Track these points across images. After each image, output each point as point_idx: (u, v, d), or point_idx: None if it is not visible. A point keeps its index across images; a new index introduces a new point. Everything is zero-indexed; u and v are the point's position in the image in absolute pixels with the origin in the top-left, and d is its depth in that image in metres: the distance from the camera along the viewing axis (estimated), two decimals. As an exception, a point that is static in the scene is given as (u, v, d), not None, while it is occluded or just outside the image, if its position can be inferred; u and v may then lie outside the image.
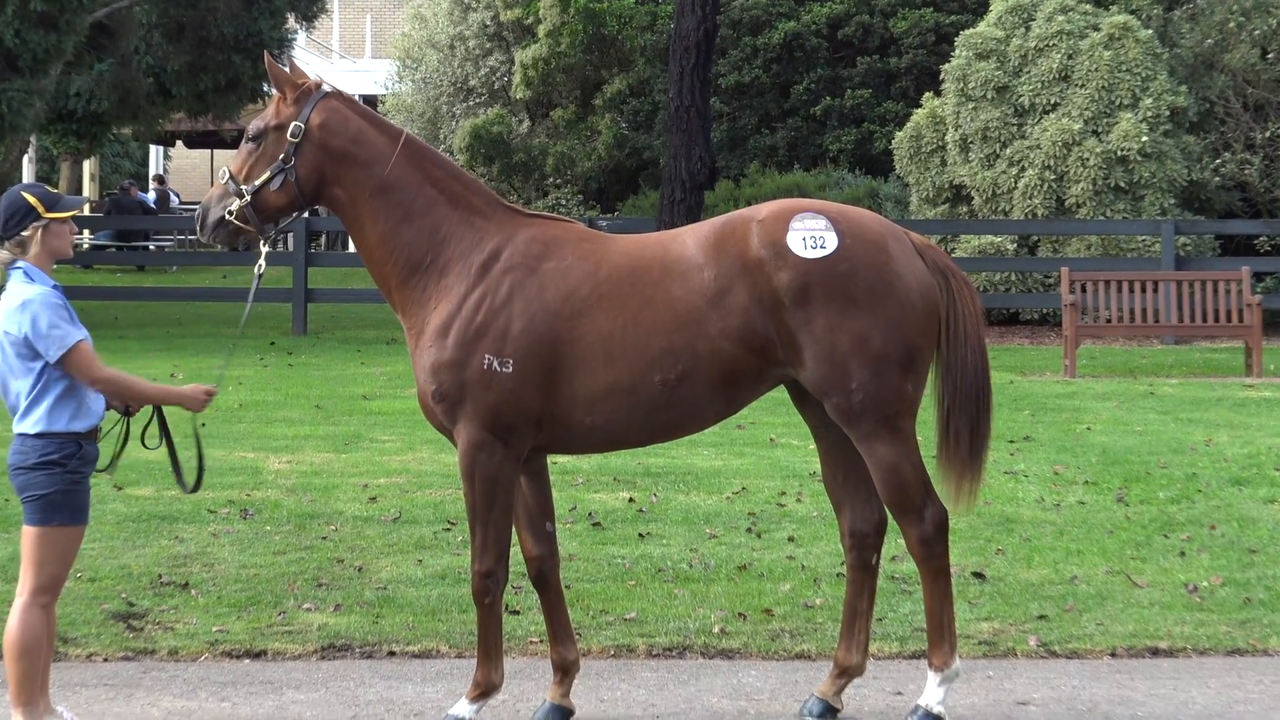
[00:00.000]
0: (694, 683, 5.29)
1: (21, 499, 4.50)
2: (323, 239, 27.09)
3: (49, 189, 4.65)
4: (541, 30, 23.28)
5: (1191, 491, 8.31)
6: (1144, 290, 14.85)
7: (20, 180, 20.96)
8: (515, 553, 4.96)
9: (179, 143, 33.89)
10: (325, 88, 4.90)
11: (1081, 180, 18.00)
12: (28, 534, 4.47)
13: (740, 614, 6.02)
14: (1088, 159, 17.95)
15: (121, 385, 4.50)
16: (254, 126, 4.89)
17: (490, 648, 4.76)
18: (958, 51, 19.09)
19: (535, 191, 24.05)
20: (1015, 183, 18.44)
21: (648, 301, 4.64)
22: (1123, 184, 18.01)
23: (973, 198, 19.01)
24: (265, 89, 20.23)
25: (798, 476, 8.68)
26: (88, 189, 29.20)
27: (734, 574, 6.60)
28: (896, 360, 4.63)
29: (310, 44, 30.21)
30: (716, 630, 5.82)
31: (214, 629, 5.82)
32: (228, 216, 4.82)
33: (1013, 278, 18.33)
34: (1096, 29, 18.49)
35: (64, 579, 4.56)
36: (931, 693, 4.76)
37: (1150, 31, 18.54)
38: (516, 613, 5.98)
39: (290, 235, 18.35)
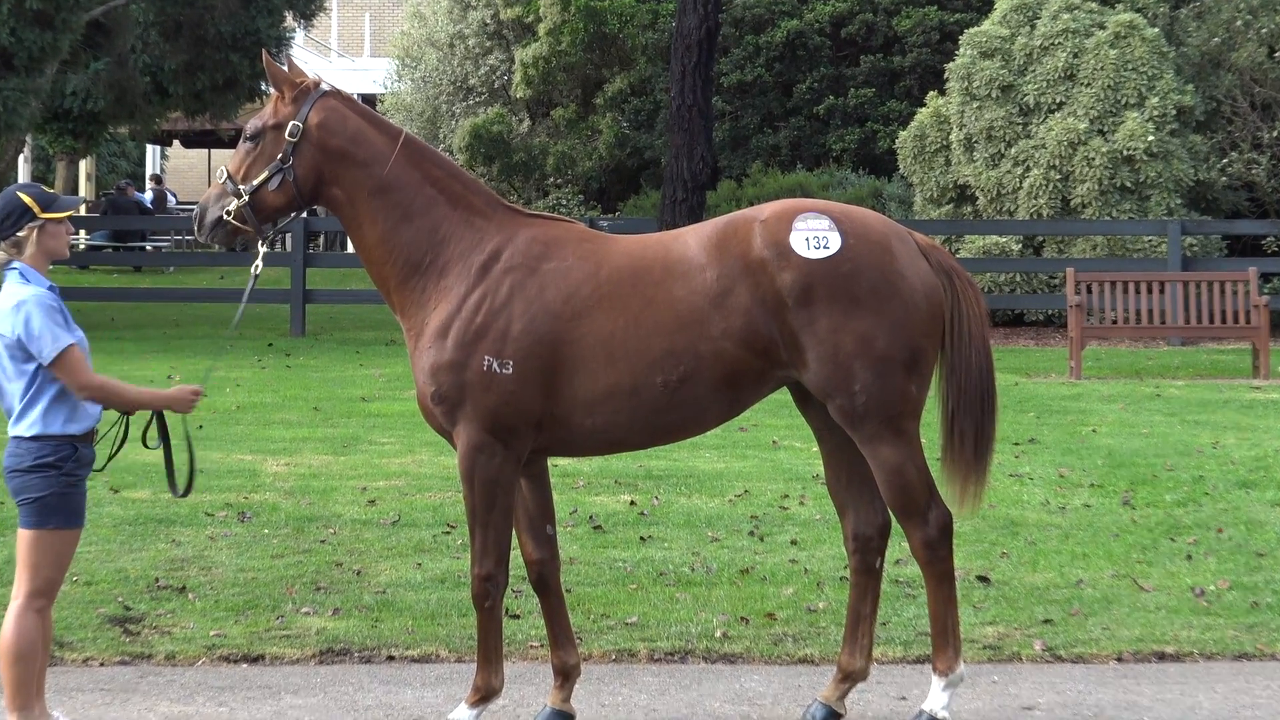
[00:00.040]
0: (696, 687, 5.27)
1: (16, 502, 4.48)
2: (321, 239, 27.04)
3: (45, 189, 4.63)
4: (542, 28, 23.24)
5: (1198, 494, 8.28)
6: (1150, 291, 14.80)
7: (16, 180, 20.96)
8: (515, 556, 4.93)
9: (176, 142, 33.90)
10: (324, 86, 4.88)
11: (1087, 180, 17.94)
12: (23, 537, 4.46)
13: (743, 618, 6.00)
14: (1093, 158, 17.89)
15: (110, 392, 4.47)
16: (252, 126, 4.88)
17: (490, 652, 4.74)
18: (962, 50, 19.04)
19: (535, 191, 24.02)
20: (1020, 182, 18.39)
21: (649, 302, 4.62)
22: (1129, 184, 17.96)
23: (977, 198, 18.96)
24: (263, 88, 20.20)
25: (800, 479, 8.66)
26: (84, 189, 29.14)
27: (736, 578, 6.58)
28: (900, 361, 4.61)
29: (308, 42, 30.17)
30: (719, 634, 5.80)
31: (211, 633, 5.80)
32: (225, 216, 4.80)
33: (1018, 278, 18.28)
34: (1102, 27, 18.43)
35: (59, 583, 4.54)
36: (936, 697, 4.74)
37: (1156, 30, 18.48)
38: (517, 617, 5.96)
39: (288, 236, 18.31)
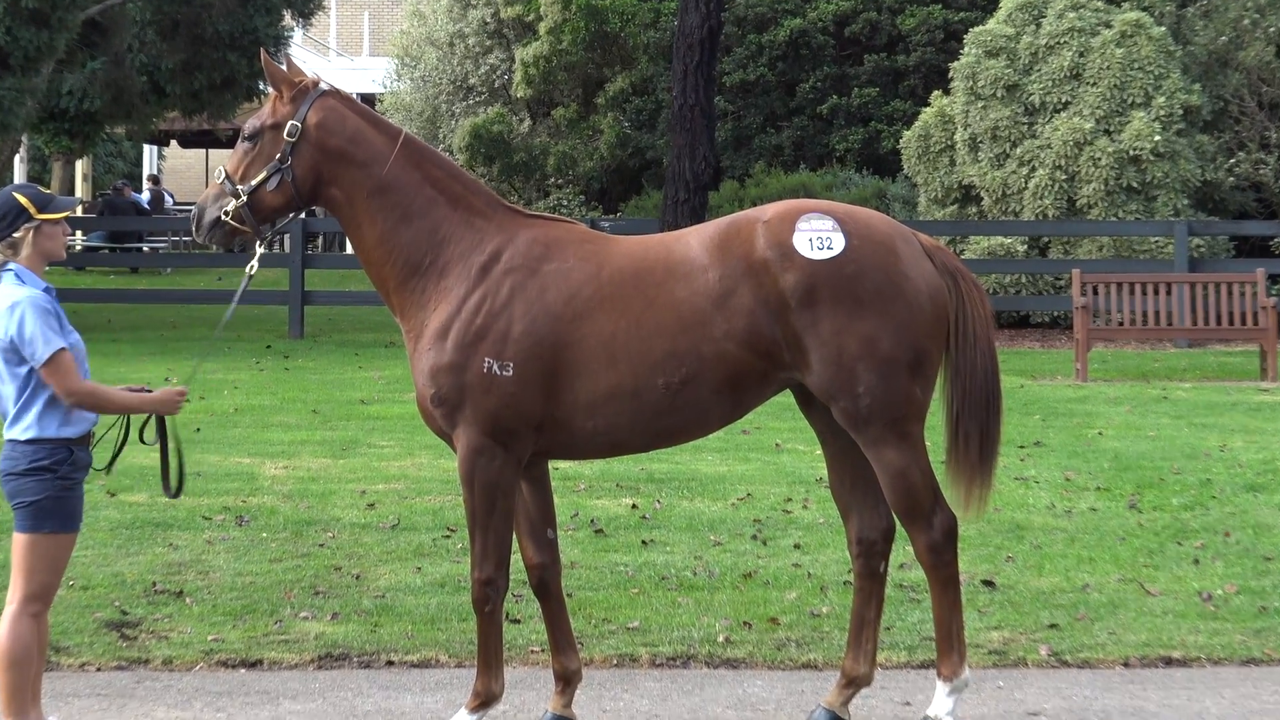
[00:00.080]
0: (698, 693, 5.25)
1: (11, 505, 4.46)
2: (320, 240, 27.00)
3: (41, 189, 4.61)
4: (543, 27, 23.20)
5: (1205, 498, 8.26)
6: (1157, 292, 14.74)
7: (12, 181, 20.91)
8: (516, 560, 4.91)
9: (173, 142, 33.89)
10: (322, 86, 4.86)
11: (1093, 180, 17.89)
12: (18, 541, 4.44)
13: (745, 623, 5.98)
14: (1099, 159, 17.83)
15: (98, 398, 4.45)
16: (250, 125, 4.86)
17: (490, 657, 4.72)
18: (967, 49, 19.00)
19: (536, 192, 23.97)
20: (1025, 183, 18.33)
21: (651, 303, 4.60)
22: (1135, 184, 17.90)
23: (982, 198, 18.91)
24: (261, 87, 20.19)
25: (804, 482, 8.64)
26: (80, 189, 29.09)
27: (739, 582, 6.55)
28: (905, 363, 4.58)
29: (307, 41, 30.18)
30: (721, 639, 5.77)
31: (209, 638, 5.77)
32: (224, 217, 4.79)
33: (1023, 280, 18.22)
34: (1108, 26, 18.37)
35: (55, 587, 4.52)
36: (940, 703, 4.72)
37: (1163, 29, 18.42)
38: (517, 621, 5.94)
39: (287, 236, 18.27)
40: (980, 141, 18.67)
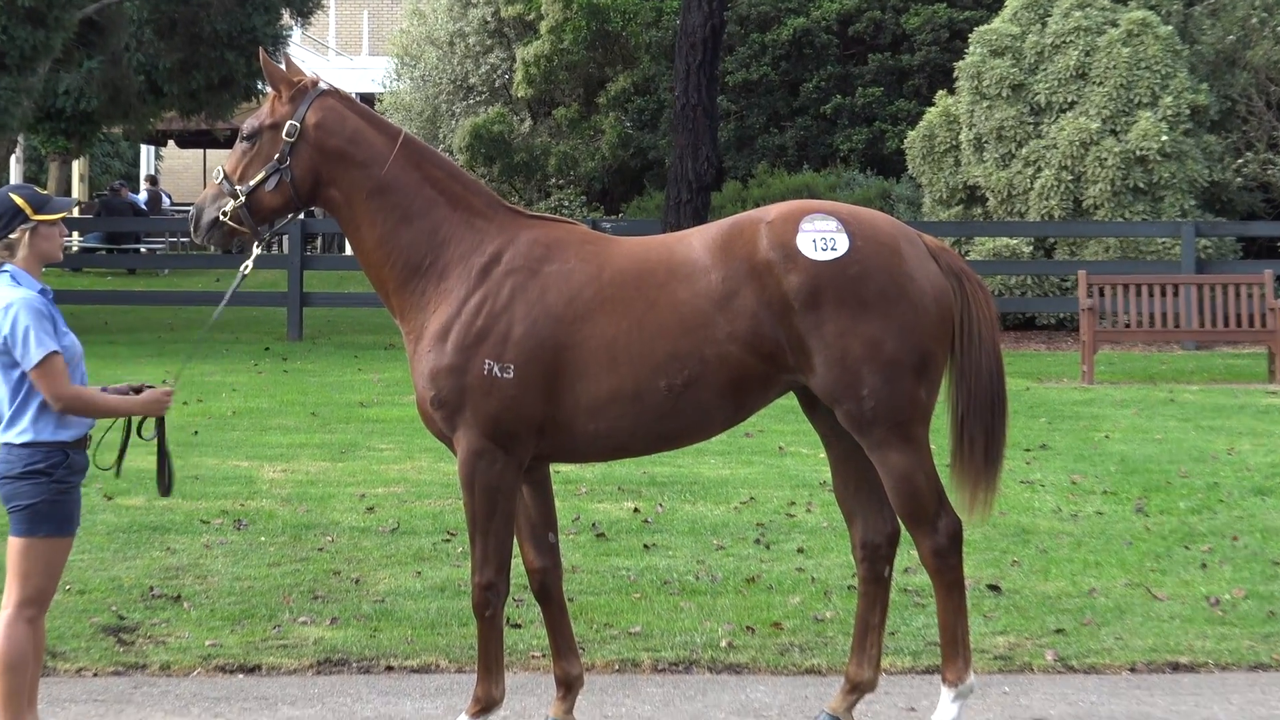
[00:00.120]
0: (701, 698, 5.23)
1: (7, 509, 4.44)
2: (319, 241, 26.91)
3: (37, 190, 4.59)
4: (543, 26, 23.16)
5: (1213, 501, 8.23)
6: (1164, 294, 14.69)
7: (8, 181, 20.86)
8: (517, 564, 4.88)
9: (171, 142, 33.90)
10: (321, 85, 4.85)
11: (1099, 181, 17.83)
12: (12, 545, 4.41)
13: (748, 627, 5.96)
14: (1106, 159, 17.77)
15: (85, 402, 4.42)
16: (249, 125, 4.85)
17: (491, 662, 4.70)
18: (972, 48, 18.94)
19: (537, 193, 23.93)
20: (1031, 183, 18.28)
21: (653, 305, 4.58)
22: (1142, 185, 17.84)
23: (987, 199, 18.86)
24: (260, 87, 20.15)
25: (807, 486, 8.61)
26: (77, 190, 29.07)
27: (742, 586, 6.53)
28: (909, 366, 4.56)
29: (306, 40, 30.12)
30: (724, 644, 5.76)
31: (207, 643, 5.75)
32: (222, 218, 4.78)
33: (1029, 281, 18.16)
34: (1115, 25, 18.30)
35: (51, 591, 4.49)
36: (945, 709, 4.70)
37: (1170, 27, 18.34)
38: (518, 626, 5.92)
39: (285, 238, 18.23)
40: (985, 142, 18.61)
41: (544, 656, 5.38)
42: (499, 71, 24.88)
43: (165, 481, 4.73)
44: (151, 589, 6.39)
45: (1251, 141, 19.01)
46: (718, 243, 4.63)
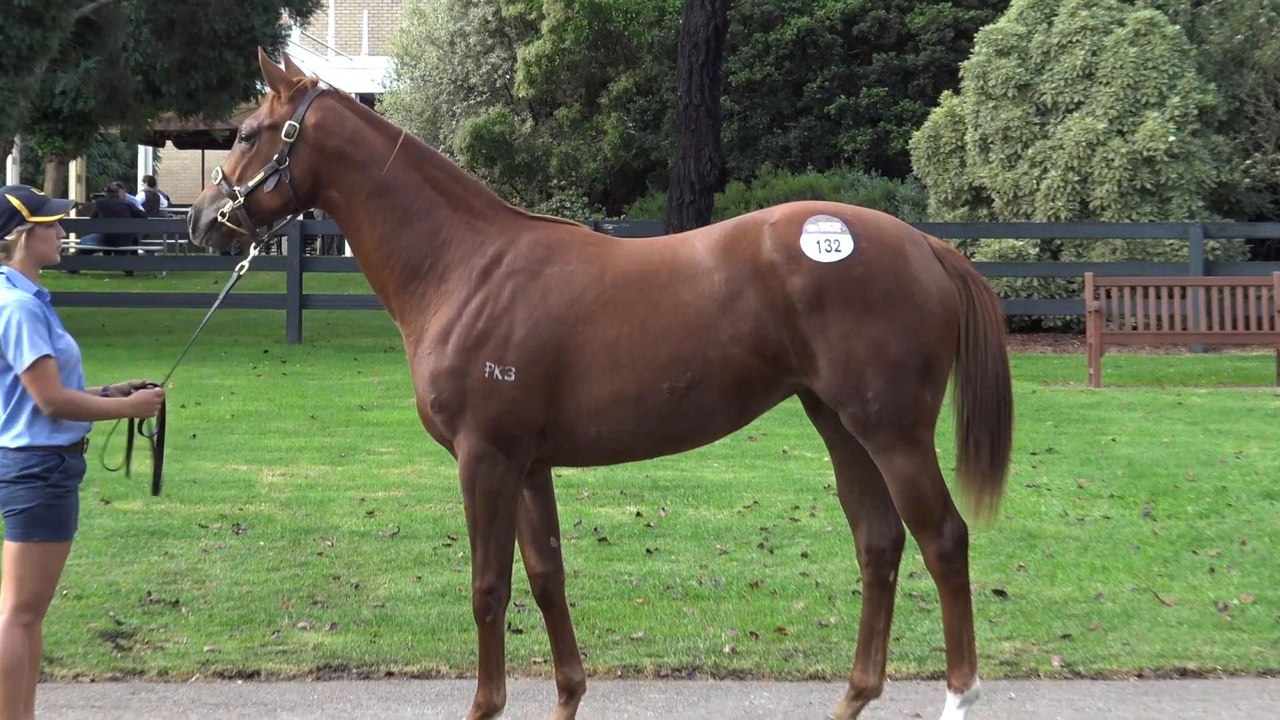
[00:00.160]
0: (704, 704, 5.21)
1: (3, 513, 4.42)
2: (318, 243, 26.89)
3: (34, 191, 4.57)
4: (545, 26, 23.14)
5: (1221, 505, 8.19)
6: (1171, 296, 14.64)
7: (4, 182, 20.90)
8: (518, 569, 4.87)
9: (169, 143, 33.95)
10: (321, 85, 4.83)
11: (1106, 182, 17.77)
12: (8, 550, 4.40)
13: (752, 633, 5.93)
14: (1113, 160, 17.71)
15: (79, 406, 4.40)
16: (247, 126, 4.83)
17: (492, 668, 4.68)
18: (977, 48, 18.90)
19: (538, 194, 23.91)
20: (1037, 184, 18.22)
21: (655, 307, 4.56)
22: (1149, 186, 17.78)
23: (993, 200, 18.81)
24: (258, 87, 20.15)
25: (812, 490, 8.59)
26: (74, 191, 29.07)
27: (745, 591, 6.50)
28: (914, 368, 4.54)
29: (305, 40, 30.11)
30: (727, 650, 5.73)
31: (205, 648, 5.73)
32: (220, 219, 4.76)
33: (1035, 283, 18.12)
34: (1122, 24, 18.24)
35: (48, 597, 4.47)
36: (951, 715, 4.68)
37: (1177, 27, 18.29)
38: (519, 631, 5.90)
39: (284, 239, 18.20)
40: (991, 142, 18.56)
41: (546, 662, 5.36)
42: (500, 71, 24.85)
43: (159, 479, 4.70)
44: (149, 594, 6.37)
45: (1260, 142, 18.94)
46: (721, 244, 4.61)
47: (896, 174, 21.71)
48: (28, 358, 4.27)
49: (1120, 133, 17.94)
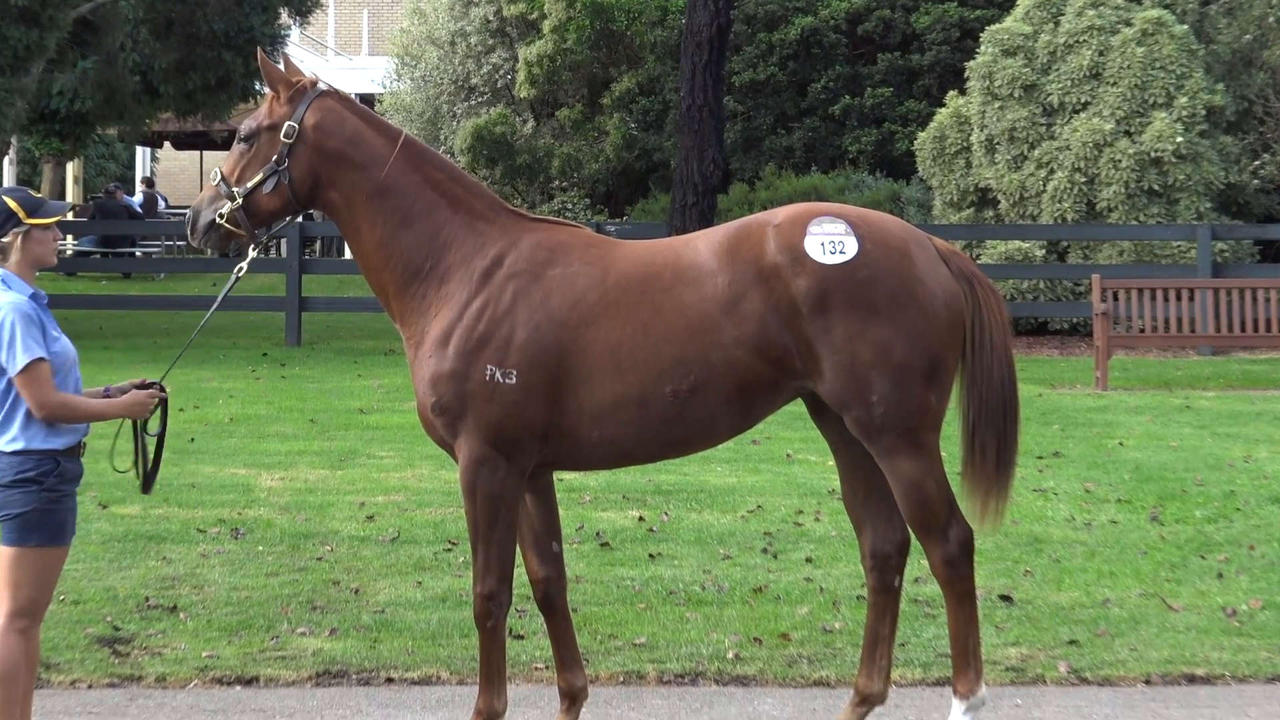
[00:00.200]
0: (707, 711, 5.19)
1: (-1, 518, 4.36)
2: (318, 245, 26.85)
3: (31, 193, 4.55)
4: (546, 26, 23.11)
5: (1230, 510, 8.16)
6: (1179, 298, 14.59)
7: (1, 184, 20.88)
8: (520, 574, 4.84)
9: (167, 144, 33.98)
10: (320, 86, 4.82)
11: (1113, 183, 17.72)
12: (4, 555, 4.37)
13: (755, 639, 5.90)
14: (1120, 161, 17.65)
15: (72, 409, 4.37)
16: (246, 126, 4.81)
17: (493, 674, 4.67)
18: (983, 48, 18.86)
19: (540, 195, 23.89)
20: (1044, 186, 18.17)
21: (658, 309, 4.54)
22: (1157, 187, 17.72)
23: (999, 201, 18.76)
24: (257, 87, 20.12)
25: (816, 494, 8.56)
26: (71, 193, 29.02)
27: (749, 597, 6.48)
28: (919, 371, 4.52)
29: (304, 40, 30.09)
30: (730, 656, 5.70)
31: (204, 654, 5.70)
32: (218, 220, 4.76)
33: (1041, 285, 18.06)
34: (1129, 24, 18.19)
35: (45, 602, 4.45)
36: None
37: (1185, 27, 18.23)
38: (521, 637, 5.88)
39: (283, 241, 18.18)
40: (997, 143, 18.51)
41: (547, 668, 5.34)
42: (501, 72, 24.83)
43: (154, 478, 4.67)
44: (147, 599, 6.35)
45: (1269, 143, 18.88)
46: (724, 246, 4.59)
47: (901, 175, 21.67)
48: (20, 360, 4.25)
49: (1127, 133, 17.89)
